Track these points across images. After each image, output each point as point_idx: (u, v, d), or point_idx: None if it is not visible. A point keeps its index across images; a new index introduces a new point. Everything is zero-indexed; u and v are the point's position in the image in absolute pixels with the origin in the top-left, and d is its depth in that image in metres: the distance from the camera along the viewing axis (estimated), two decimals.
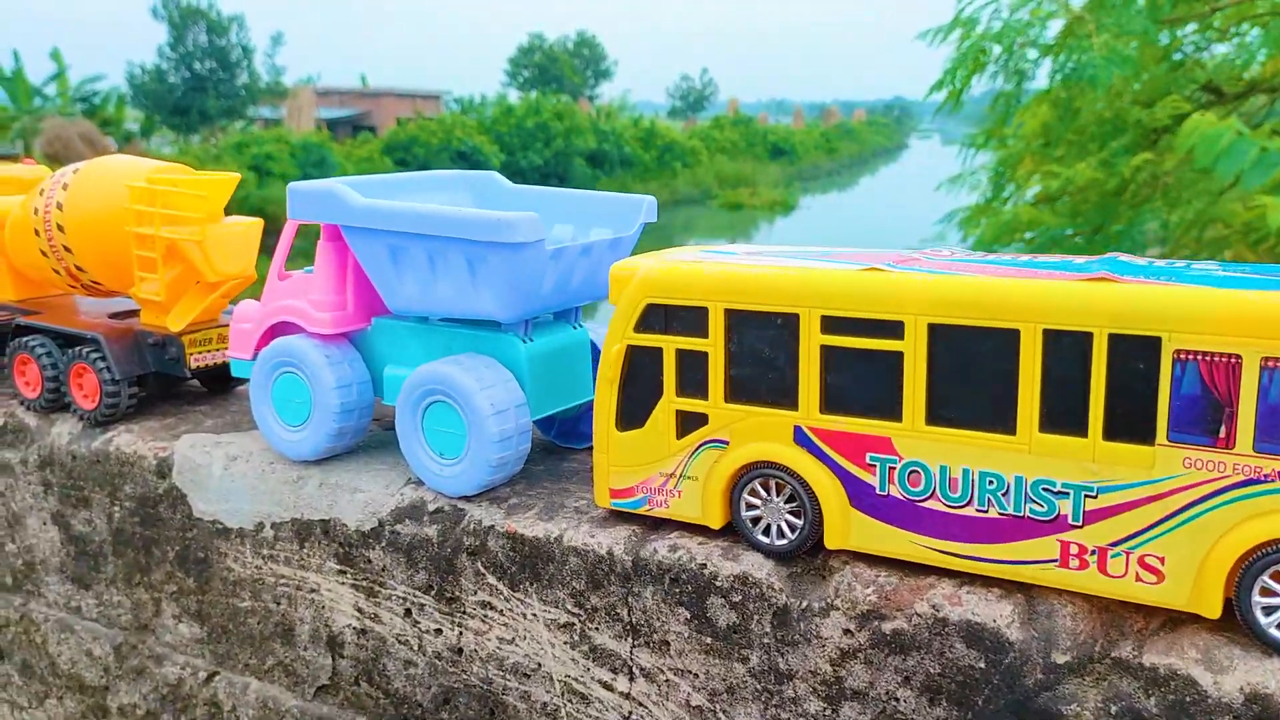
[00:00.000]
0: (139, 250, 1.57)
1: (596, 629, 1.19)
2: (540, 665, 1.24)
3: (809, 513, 1.06)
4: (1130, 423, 0.92)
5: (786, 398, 1.06)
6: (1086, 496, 0.94)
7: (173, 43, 29.25)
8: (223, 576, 1.49)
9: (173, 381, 1.77)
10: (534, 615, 1.23)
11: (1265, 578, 0.89)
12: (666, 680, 1.16)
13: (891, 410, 1.01)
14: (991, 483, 0.98)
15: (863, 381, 1.02)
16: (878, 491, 1.03)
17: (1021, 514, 0.97)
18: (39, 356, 1.64)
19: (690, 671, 1.14)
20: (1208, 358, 0.88)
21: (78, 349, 1.62)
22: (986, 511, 0.98)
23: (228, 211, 1.61)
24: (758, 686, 1.10)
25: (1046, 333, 0.93)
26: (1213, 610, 0.92)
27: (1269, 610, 0.90)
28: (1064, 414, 0.94)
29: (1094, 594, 0.96)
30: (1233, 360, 0.87)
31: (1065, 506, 0.95)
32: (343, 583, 1.37)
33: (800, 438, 1.06)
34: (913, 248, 1.20)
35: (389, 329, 1.40)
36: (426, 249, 1.27)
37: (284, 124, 28.82)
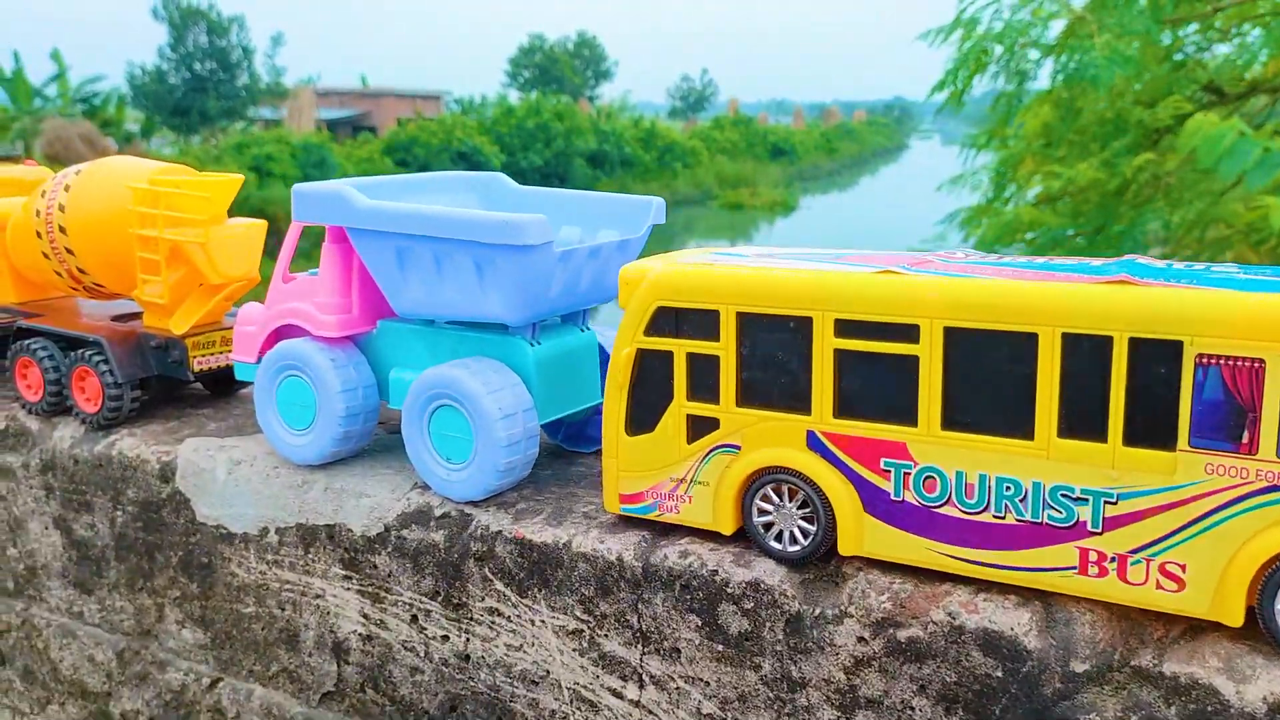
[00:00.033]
0: (142, 252, 1.56)
1: (606, 636, 1.18)
2: (549, 672, 1.22)
3: (822, 518, 1.05)
4: (1151, 428, 0.90)
5: (799, 402, 1.05)
6: (1106, 503, 0.92)
7: (173, 43, 29.26)
8: (226, 582, 1.47)
9: (176, 385, 1.76)
10: (542, 622, 1.22)
11: None
12: (677, 688, 1.14)
13: (907, 415, 1.00)
14: (1009, 489, 0.96)
15: (877, 386, 1.01)
16: (892, 497, 1.02)
17: (1040, 520, 0.95)
18: (41, 359, 1.63)
19: (701, 679, 1.13)
20: (1230, 362, 0.86)
21: (80, 352, 1.60)
22: (1004, 518, 0.97)
23: (228, 213, 1.59)
24: (770, 695, 1.09)
25: (1065, 336, 0.92)
26: (1235, 618, 0.90)
27: None
28: (1083, 419, 0.92)
29: (1113, 602, 0.95)
30: (1256, 365, 0.86)
31: (1084, 513, 0.93)
32: (348, 588, 1.36)
33: (813, 443, 1.05)
34: (916, 248, 1.19)
35: (395, 332, 1.38)
36: (433, 251, 1.26)
37: (284, 125, 28.82)
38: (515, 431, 1.23)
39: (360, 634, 1.36)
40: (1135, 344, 0.89)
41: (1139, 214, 5.87)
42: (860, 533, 1.04)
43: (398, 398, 1.36)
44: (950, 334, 0.97)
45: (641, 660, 1.16)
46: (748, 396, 1.08)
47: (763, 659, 1.09)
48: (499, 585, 1.24)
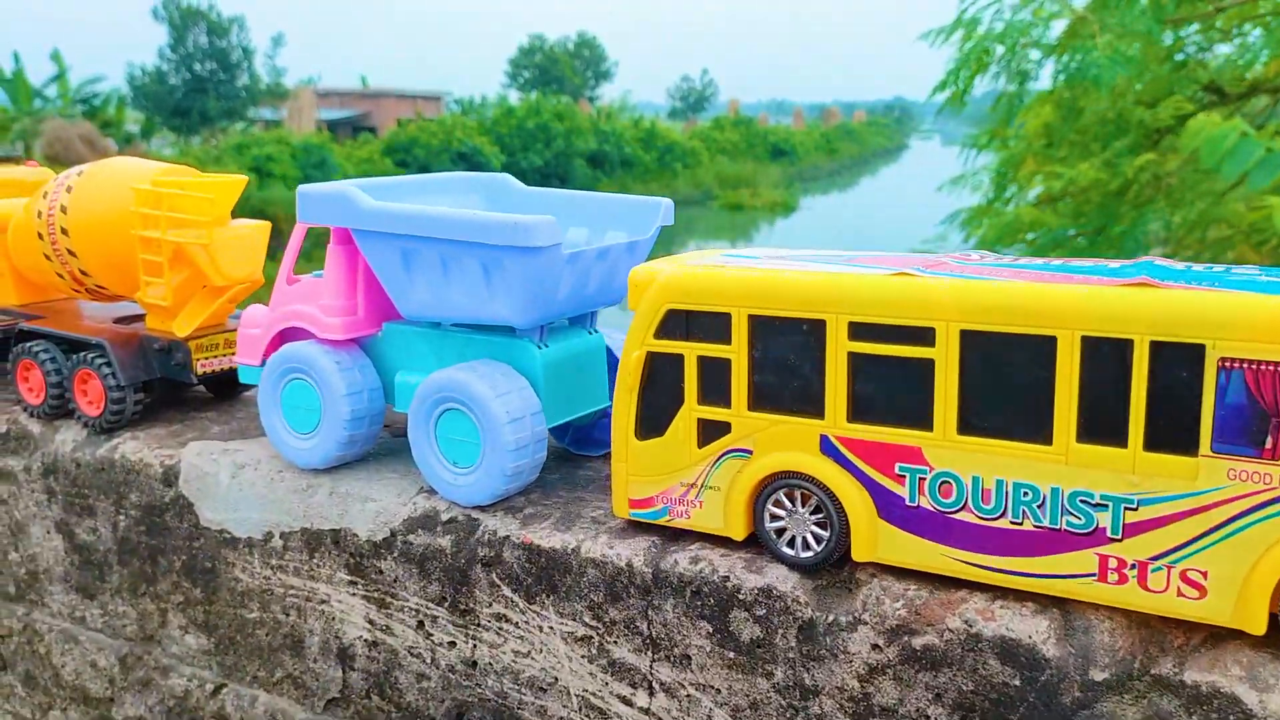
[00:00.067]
0: (144, 254, 1.54)
1: (615, 642, 1.16)
2: (557, 679, 1.21)
3: (835, 524, 1.04)
4: (1172, 433, 0.89)
5: (812, 406, 1.04)
6: (1126, 509, 0.91)
7: (173, 44, 29.24)
8: (230, 587, 1.46)
9: (179, 387, 1.74)
10: (550, 628, 1.20)
11: None
12: (688, 695, 1.13)
13: (922, 419, 0.98)
14: (1026, 494, 0.95)
15: (892, 389, 1.00)
16: (907, 503, 1.00)
17: (1058, 527, 0.94)
18: (43, 362, 1.62)
19: (712, 687, 1.11)
20: (1254, 366, 0.85)
21: (82, 354, 1.59)
22: (1021, 524, 0.96)
23: (231, 214, 1.58)
24: (782, 702, 1.08)
25: (1085, 339, 0.90)
26: (1258, 626, 0.89)
27: None
28: (1103, 424, 0.91)
29: (1133, 609, 0.94)
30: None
31: (1104, 519, 0.92)
32: (353, 594, 1.34)
33: (827, 447, 1.03)
34: (917, 249, 1.18)
35: (400, 334, 1.37)
36: (440, 253, 1.24)
37: (284, 125, 28.80)
38: (523, 435, 1.22)
39: (366, 640, 1.35)
40: (1156, 347, 0.88)
41: (1140, 214, 5.86)
42: (874, 538, 1.03)
43: (403, 401, 1.35)
44: (967, 337, 0.95)
45: (651, 667, 1.15)
46: (760, 400, 1.06)
47: (775, 666, 1.07)
48: (506, 591, 1.22)
